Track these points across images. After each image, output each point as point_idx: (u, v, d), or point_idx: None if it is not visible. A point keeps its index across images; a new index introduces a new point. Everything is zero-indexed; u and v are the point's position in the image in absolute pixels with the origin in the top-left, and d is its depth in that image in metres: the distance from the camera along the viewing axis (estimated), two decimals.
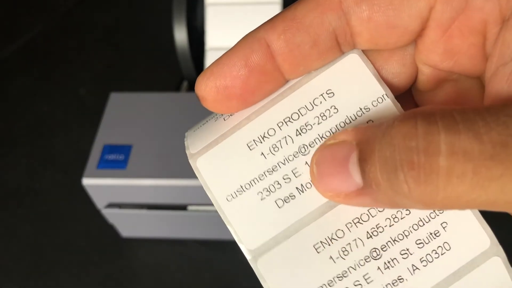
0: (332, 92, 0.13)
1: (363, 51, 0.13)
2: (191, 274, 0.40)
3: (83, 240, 0.42)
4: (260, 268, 0.12)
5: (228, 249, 0.40)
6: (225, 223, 0.12)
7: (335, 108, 0.13)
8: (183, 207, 0.37)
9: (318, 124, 0.13)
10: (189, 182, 0.34)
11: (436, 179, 0.09)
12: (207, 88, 0.12)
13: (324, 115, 0.13)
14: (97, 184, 0.35)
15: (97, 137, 0.37)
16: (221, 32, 0.41)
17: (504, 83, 0.11)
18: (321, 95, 0.13)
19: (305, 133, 0.13)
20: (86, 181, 0.35)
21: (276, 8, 0.40)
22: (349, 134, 0.11)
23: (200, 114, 0.14)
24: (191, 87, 0.45)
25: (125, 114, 0.38)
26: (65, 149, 0.48)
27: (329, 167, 0.11)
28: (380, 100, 0.12)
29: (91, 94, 0.52)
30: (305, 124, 0.13)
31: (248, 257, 0.12)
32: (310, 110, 0.13)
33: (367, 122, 0.12)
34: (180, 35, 0.41)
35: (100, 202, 0.37)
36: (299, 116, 0.13)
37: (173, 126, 0.37)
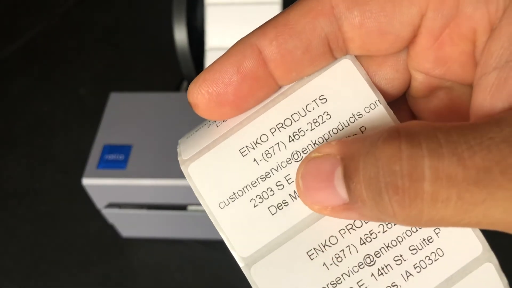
0: (325, 98, 0.13)
1: (356, 56, 0.13)
2: (191, 274, 0.40)
3: (83, 240, 0.42)
4: (253, 276, 0.12)
5: (228, 249, 0.40)
6: (218, 230, 0.12)
7: (328, 114, 0.12)
8: (183, 207, 0.37)
9: (311, 130, 0.12)
10: None
11: (421, 203, 0.10)
12: (199, 95, 0.12)
13: (317, 121, 0.12)
14: (97, 184, 0.35)
15: (97, 137, 0.37)
16: (221, 32, 0.41)
17: (486, 94, 0.11)
18: (314, 101, 0.13)
19: (298, 139, 0.12)
20: (86, 181, 0.35)
21: (276, 8, 0.40)
22: (332, 148, 0.11)
23: (201, 118, 0.14)
24: None
25: (125, 114, 0.38)
26: (65, 149, 0.48)
27: (315, 181, 0.11)
28: (372, 106, 0.12)
29: (91, 94, 0.52)
30: (298, 130, 0.12)
31: (241, 264, 0.12)
32: (303, 116, 0.13)
33: (360, 129, 0.12)
34: (180, 35, 0.41)
35: (100, 202, 0.37)
36: (291, 122, 0.13)
37: (173, 126, 0.37)
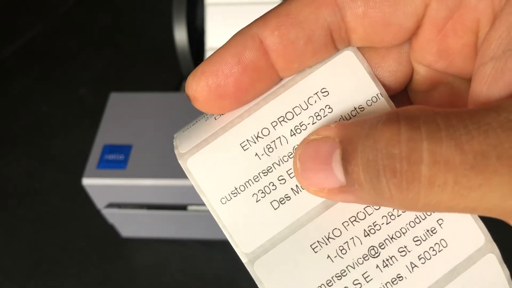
0: (326, 91, 0.12)
1: (358, 48, 0.13)
2: (191, 274, 0.40)
3: (83, 240, 0.42)
4: (257, 271, 0.12)
5: (228, 249, 0.40)
6: (220, 226, 0.12)
7: (329, 107, 0.12)
8: (183, 207, 0.37)
9: (313, 124, 0.12)
10: (189, 182, 0.34)
11: (418, 187, 0.09)
12: (198, 87, 0.12)
13: (318, 115, 0.12)
14: (97, 184, 0.35)
15: (97, 137, 0.37)
16: (221, 32, 0.41)
17: (483, 83, 0.11)
18: (316, 94, 0.12)
19: (299, 133, 0.12)
20: (86, 181, 0.35)
21: None
22: (331, 130, 0.11)
23: (200, 114, 0.14)
24: None
25: (125, 114, 0.38)
26: (65, 149, 0.48)
27: (312, 163, 0.11)
28: (374, 99, 0.12)
29: (91, 94, 0.52)
30: (300, 124, 0.12)
31: (244, 260, 0.12)
32: (304, 110, 0.12)
33: None
34: (180, 35, 0.41)
35: (100, 202, 0.37)
36: (293, 116, 0.12)
37: (173, 126, 0.37)
